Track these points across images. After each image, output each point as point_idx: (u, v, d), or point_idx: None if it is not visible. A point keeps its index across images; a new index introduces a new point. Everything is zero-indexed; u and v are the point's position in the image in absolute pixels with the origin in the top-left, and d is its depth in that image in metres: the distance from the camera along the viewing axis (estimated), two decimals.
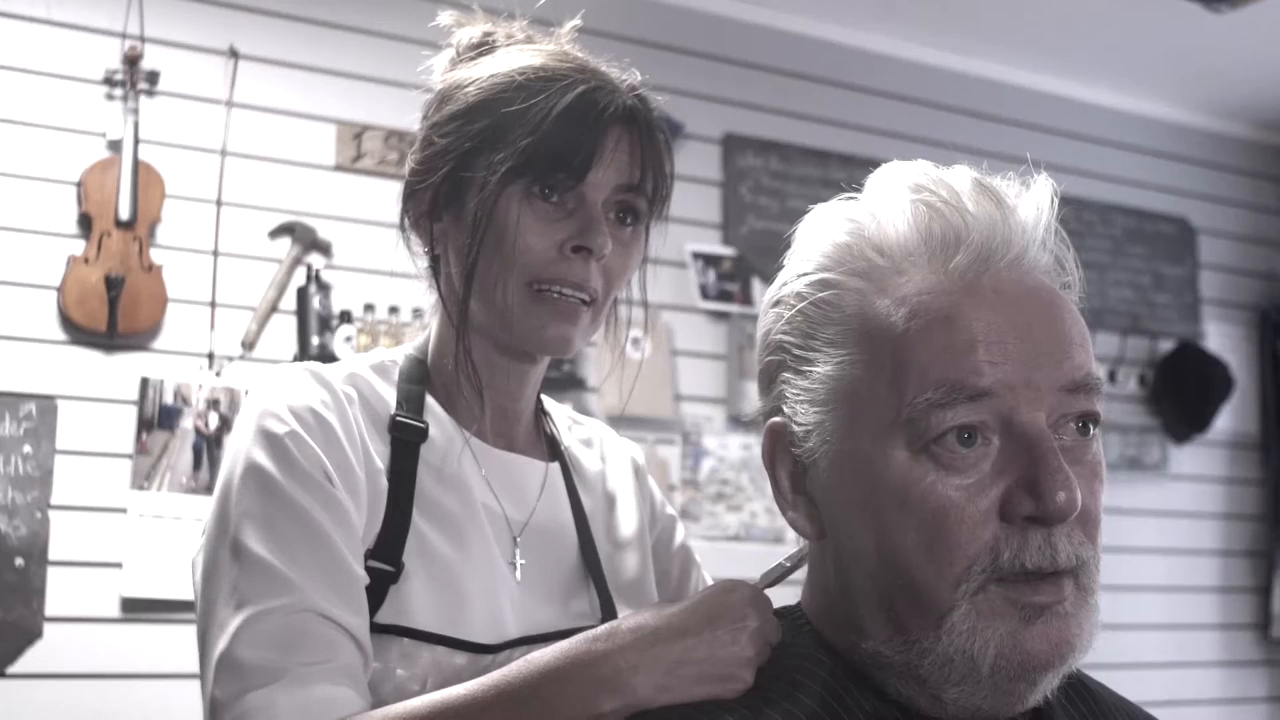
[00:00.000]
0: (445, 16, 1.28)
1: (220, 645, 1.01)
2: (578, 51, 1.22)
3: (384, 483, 1.13)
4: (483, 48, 1.24)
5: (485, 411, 1.22)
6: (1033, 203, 0.88)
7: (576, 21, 1.27)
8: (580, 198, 1.14)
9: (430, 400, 1.20)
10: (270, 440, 1.08)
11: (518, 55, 1.19)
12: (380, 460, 1.14)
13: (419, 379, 1.21)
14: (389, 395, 1.19)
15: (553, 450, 1.28)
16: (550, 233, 1.14)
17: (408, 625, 1.09)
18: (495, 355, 1.20)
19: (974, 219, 0.86)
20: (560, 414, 1.34)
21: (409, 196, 1.21)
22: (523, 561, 1.19)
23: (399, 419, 1.17)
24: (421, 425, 1.17)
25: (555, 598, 1.20)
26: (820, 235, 0.91)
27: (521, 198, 1.14)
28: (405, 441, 1.16)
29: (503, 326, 1.17)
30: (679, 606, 1.00)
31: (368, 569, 1.09)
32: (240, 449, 1.09)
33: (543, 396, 1.31)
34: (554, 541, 1.22)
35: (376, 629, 1.09)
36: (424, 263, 1.23)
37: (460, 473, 1.18)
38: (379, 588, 1.10)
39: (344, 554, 1.05)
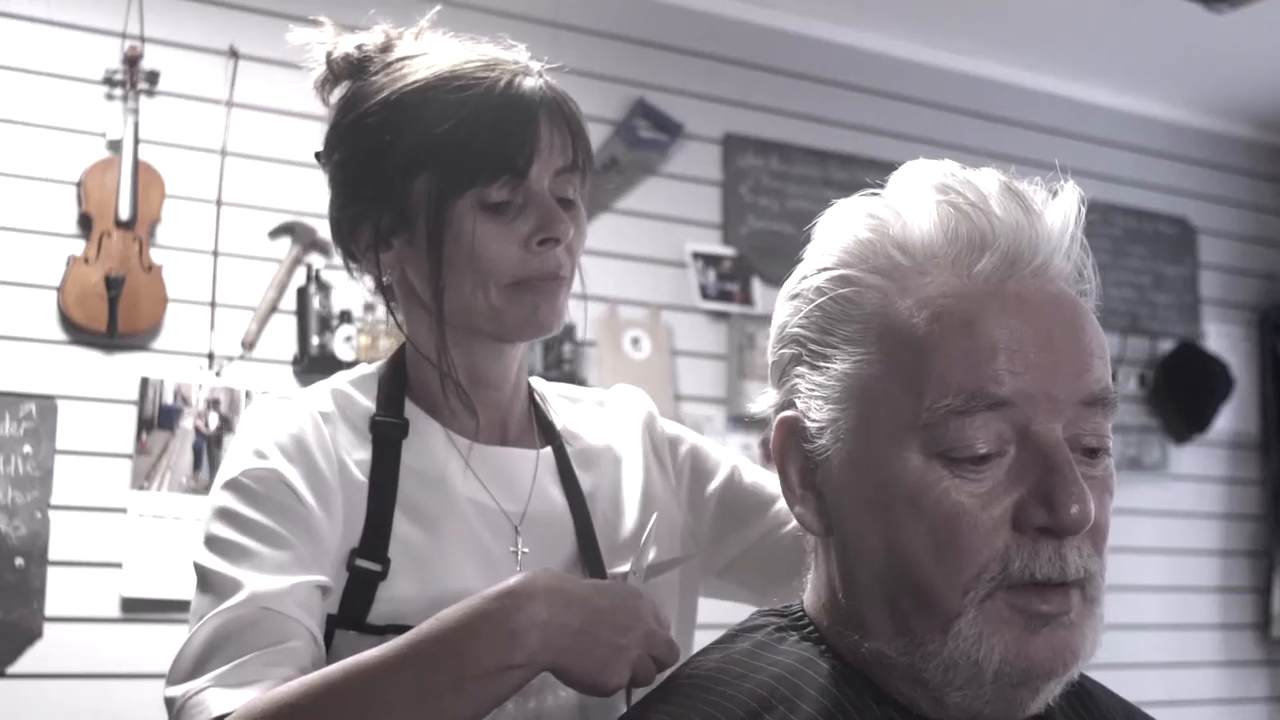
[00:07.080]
0: (301, 34, 1.29)
1: (175, 657, 1.07)
2: (468, 43, 1.22)
3: (364, 491, 1.15)
4: (372, 61, 1.25)
5: (475, 413, 1.22)
6: (1060, 210, 0.86)
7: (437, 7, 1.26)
8: (527, 191, 1.15)
9: (409, 403, 1.22)
10: (236, 484, 1.12)
11: (419, 67, 1.18)
12: (361, 471, 1.16)
13: (398, 383, 1.23)
14: (370, 403, 1.21)
15: (548, 436, 1.28)
16: (511, 233, 1.15)
17: (400, 624, 1.10)
18: (472, 342, 1.20)
19: (1000, 223, 0.84)
20: (555, 395, 1.34)
21: (345, 234, 1.21)
22: (525, 550, 1.19)
23: (377, 419, 1.19)
24: (400, 422, 1.19)
25: None
26: (842, 230, 0.90)
27: (472, 209, 1.15)
28: (387, 440, 1.18)
29: (492, 325, 1.18)
30: (590, 582, 1.06)
31: (356, 568, 1.12)
32: (212, 497, 1.14)
33: (534, 381, 1.31)
34: (552, 529, 1.22)
35: (371, 630, 1.11)
36: (372, 284, 1.23)
37: (444, 473, 1.19)
38: (369, 587, 1.12)
39: (302, 562, 1.09)
